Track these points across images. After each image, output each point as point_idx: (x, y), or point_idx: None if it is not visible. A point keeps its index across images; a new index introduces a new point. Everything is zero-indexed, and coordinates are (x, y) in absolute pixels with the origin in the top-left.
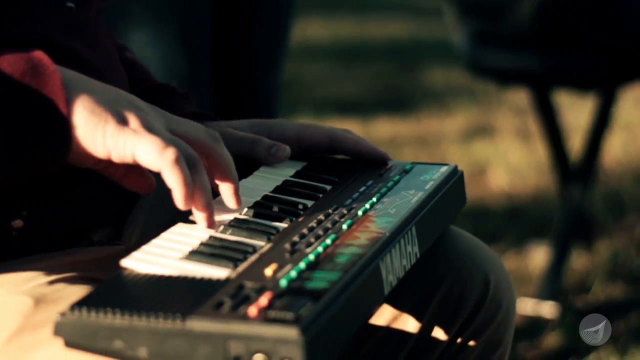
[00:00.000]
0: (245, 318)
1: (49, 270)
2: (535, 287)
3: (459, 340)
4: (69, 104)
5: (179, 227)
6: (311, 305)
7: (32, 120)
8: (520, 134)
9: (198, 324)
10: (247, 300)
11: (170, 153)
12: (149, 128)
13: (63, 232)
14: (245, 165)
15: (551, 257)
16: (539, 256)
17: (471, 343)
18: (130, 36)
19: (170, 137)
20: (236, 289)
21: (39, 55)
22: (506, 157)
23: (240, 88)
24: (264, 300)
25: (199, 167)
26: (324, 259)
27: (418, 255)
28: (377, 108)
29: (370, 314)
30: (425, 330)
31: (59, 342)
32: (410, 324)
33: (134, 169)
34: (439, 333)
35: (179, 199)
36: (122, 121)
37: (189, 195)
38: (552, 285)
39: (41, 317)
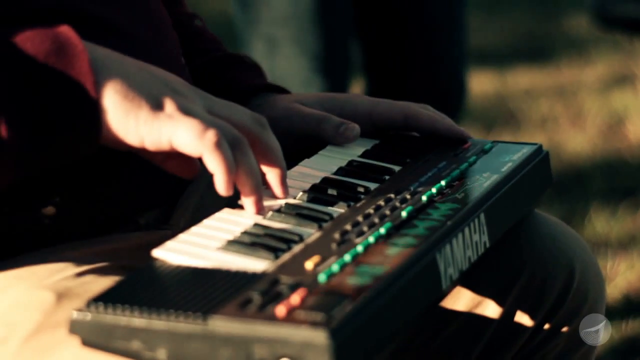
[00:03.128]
0: (272, 318)
1: (81, 260)
2: None
3: (543, 329)
4: (98, 87)
5: (224, 213)
6: (347, 305)
7: (59, 105)
8: None
9: (220, 325)
10: (279, 297)
11: (211, 135)
12: (187, 111)
13: (103, 216)
14: (313, 144)
15: None
16: None
17: (556, 334)
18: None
19: (210, 119)
20: (269, 284)
21: (66, 31)
22: None
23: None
24: (295, 298)
25: (244, 149)
26: (373, 251)
27: (488, 245)
28: (515, 58)
29: (422, 311)
30: (506, 318)
31: (78, 342)
32: (490, 311)
33: (176, 152)
34: (519, 322)
35: (220, 185)
36: (157, 106)
37: (231, 182)
38: None
39: (63, 314)
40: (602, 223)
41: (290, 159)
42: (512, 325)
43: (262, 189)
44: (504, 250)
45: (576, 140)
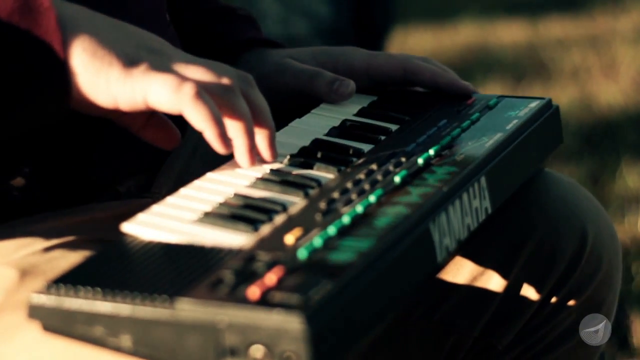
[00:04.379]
0: (243, 301)
1: (50, 234)
2: None
3: (552, 301)
4: (66, 46)
5: (204, 181)
6: (327, 285)
7: (24, 67)
8: None
9: (187, 309)
10: (253, 277)
11: (189, 88)
12: (163, 69)
13: (79, 185)
14: (306, 102)
15: None
16: None
17: (567, 304)
18: None
19: (188, 72)
20: (245, 261)
21: None
22: None
23: None
24: (271, 277)
25: (235, 93)
26: (361, 222)
27: (490, 211)
28: (547, 6)
29: (415, 288)
30: (513, 289)
31: (38, 326)
32: (494, 282)
33: (154, 119)
34: (528, 292)
35: (213, 140)
36: (130, 63)
37: (223, 134)
38: None
39: (26, 293)
40: (634, 177)
41: (282, 118)
42: (519, 295)
43: (254, 136)
44: (510, 214)
45: (608, 91)
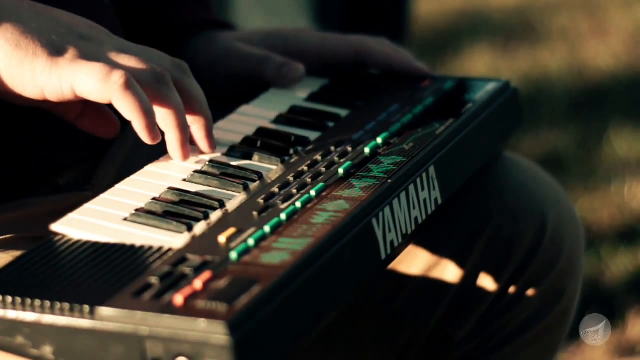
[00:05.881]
0: (166, 309)
1: None
2: None
3: (510, 290)
4: None
5: (141, 175)
6: (257, 290)
7: None
8: None
9: (109, 317)
10: (181, 282)
11: (117, 77)
12: (92, 57)
13: (15, 177)
14: (255, 86)
15: None
16: None
17: (526, 294)
18: None
19: (118, 61)
20: (173, 265)
21: None
22: None
23: None
24: (198, 283)
25: (168, 83)
26: (298, 220)
27: (440, 202)
28: None
29: (357, 290)
30: (469, 279)
31: None
32: (450, 272)
33: (90, 108)
34: (485, 282)
35: (141, 131)
36: (56, 52)
37: (152, 125)
38: None
39: None
40: (621, 144)
41: (231, 103)
42: (476, 285)
43: (188, 129)
44: (467, 201)
45: (598, 54)
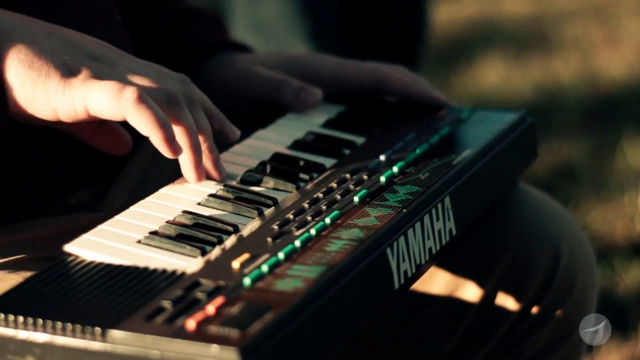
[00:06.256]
0: (179, 334)
1: None
2: None
3: (524, 320)
4: (1, 59)
5: (156, 197)
6: (270, 317)
7: None
8: None
9: (121, 340)
10: (194, 306)
11: (129, 93)
12: (103, 75)
13: (27, 197)
14: (272, 109)
15: None
16: None
17: (539, 325)
18: None
19: (130, 78)
20: (187, 289)
21: None
22: None
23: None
24: (211, 308)
25: (181, 104)
26: (313, 247)
27: (455, 232)
28: None
29: (368, 317)
30: (484, 308)
31: None
32: (466, 299)
33: (104, 126)
34: (501, 309)
35: (160, 144)
36: (69, 73)
37: (171, 138)
38: None
39: None
40: (634, 153)
41: (248, 126)
42: (492, 312)
43: (201, 151)
44: (484, 229)
45: (611, 63)
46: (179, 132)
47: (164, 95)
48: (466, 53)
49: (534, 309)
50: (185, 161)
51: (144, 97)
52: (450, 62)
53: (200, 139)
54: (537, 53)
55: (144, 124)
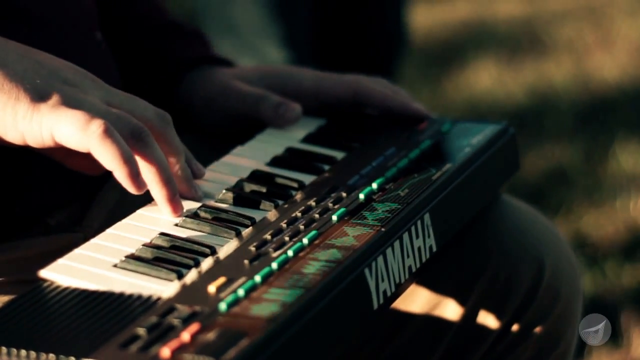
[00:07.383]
0: None
1: None
2: None
3: (507, 335)
4: None
5: (132, 219)
6: (245, 343)
7: None
8: None
9: None
10: (169, 333)
11: (96, 126)
12: (75, 103)
13: (3, 218)
14: (252, 125)
15: None
16: None
17: (523, 340)
18: None
19: (101, 109)
20: (162, 315)
21: None
22: None
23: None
24: (186, 335)
25: (146, 139)
26: (290, 269)
27: (435, 249)
28: None
29: (347, 340)
30: (467, 321)
31: None
32: (449, 313)
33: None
34: (484, 324)
35: (124, 180)
36: (39, 97)
37: (134, 175)
38: None
39: None
40: (626, 157)
41: (227, 141)
42: (474, 328)
43: (174, 185)
44: (465, 243)
45: (604, 66)
46: (146, 168)
47: (131, 129)
48: (458, 55)
49: (517, 324)
50: (157, 196)
51: (110, 131)
52: (442, 65)
53: (172, 161)
54: (529, 55)
55: (108, 158)
